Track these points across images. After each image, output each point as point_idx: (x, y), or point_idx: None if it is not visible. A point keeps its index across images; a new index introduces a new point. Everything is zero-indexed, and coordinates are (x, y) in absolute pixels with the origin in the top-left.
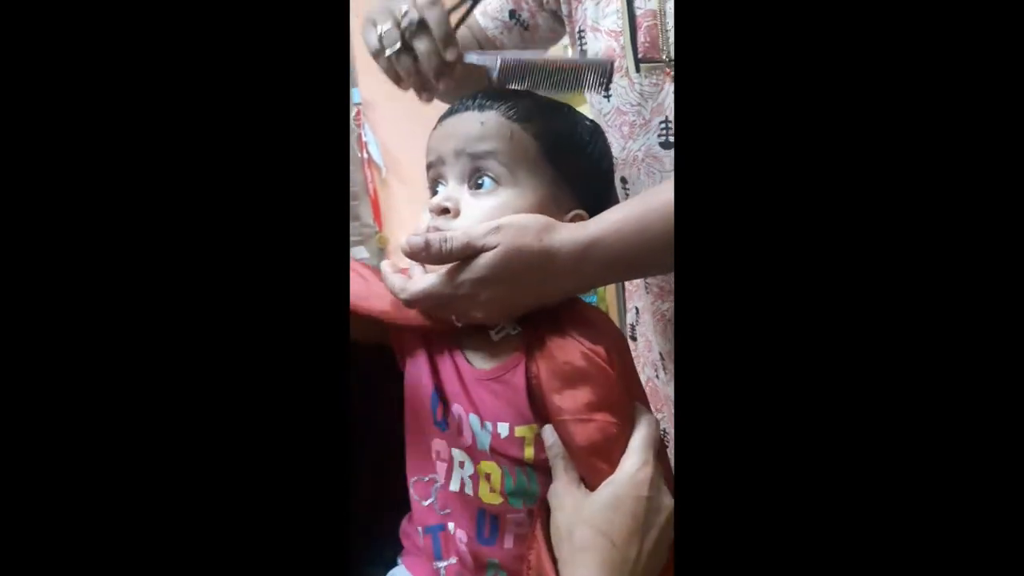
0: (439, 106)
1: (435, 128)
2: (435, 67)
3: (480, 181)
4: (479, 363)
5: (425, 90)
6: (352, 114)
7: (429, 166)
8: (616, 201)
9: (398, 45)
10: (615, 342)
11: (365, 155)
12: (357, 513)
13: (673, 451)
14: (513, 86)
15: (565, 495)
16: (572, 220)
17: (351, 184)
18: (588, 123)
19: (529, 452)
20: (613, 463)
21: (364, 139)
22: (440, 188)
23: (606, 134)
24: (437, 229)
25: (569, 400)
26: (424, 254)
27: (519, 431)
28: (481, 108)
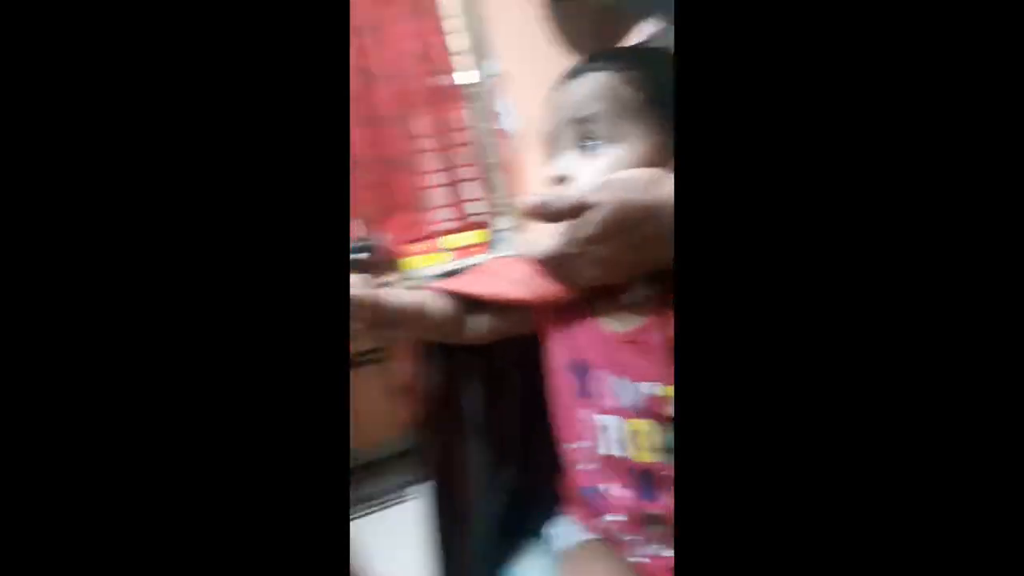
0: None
1: (544, 108)
2: None
3: (590, 144)
4: (616, 326)
5: None
6: (488, 86)
7: (545, 143)
8: None
9: None
10: None
11: (501, 127)
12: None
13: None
14: None
15: None
16: None
17: (487, 156)
18: None
19: (670, 410)
20: None
21: (499, 111)
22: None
23: None
24: None
25: None
26: (539, 212)
27: (662, 390)
28: (578, 74)
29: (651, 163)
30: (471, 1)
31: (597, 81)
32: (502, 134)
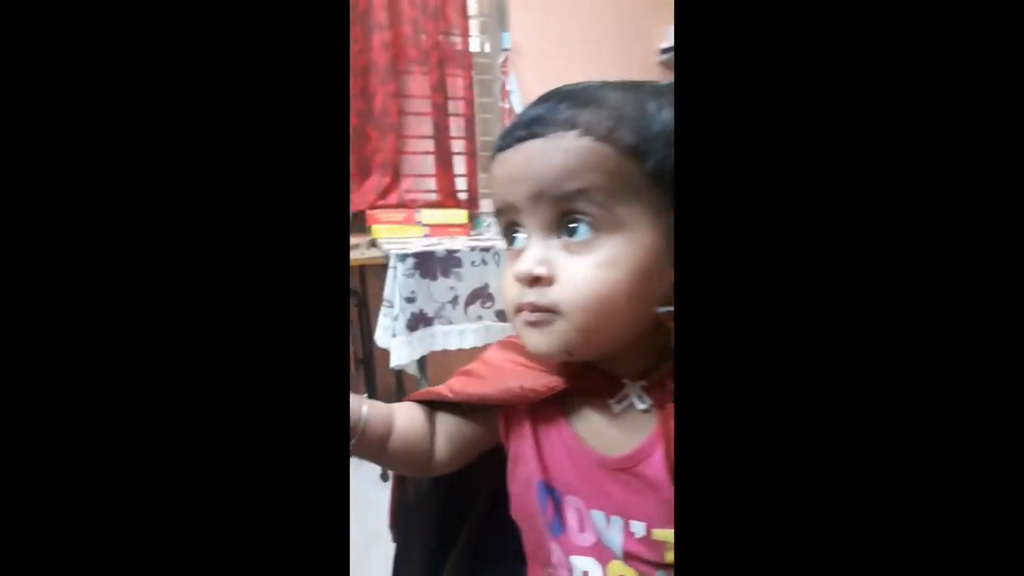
0: (590, 57)
1: (493, 165)
2: None
3: (573, 228)
4: (601, 446)
5: None
6: (500, 60)
7: (498, 212)
8: None
9: None
10: None
11: (507, 105)
12: None
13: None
14: None
15: None
16: None
17: (485, 133)
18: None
19: (671, 557)
20: None
21: (508, 88)
22: (518, 236)
23: None
24: (533, 305)
25: None
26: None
27: (658, 534)
28: (552, 127)
29: (655, 254)
30: None
31: (585, 147)
32: (508, 113)
